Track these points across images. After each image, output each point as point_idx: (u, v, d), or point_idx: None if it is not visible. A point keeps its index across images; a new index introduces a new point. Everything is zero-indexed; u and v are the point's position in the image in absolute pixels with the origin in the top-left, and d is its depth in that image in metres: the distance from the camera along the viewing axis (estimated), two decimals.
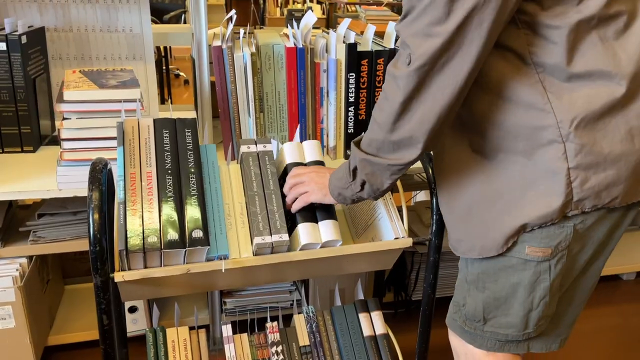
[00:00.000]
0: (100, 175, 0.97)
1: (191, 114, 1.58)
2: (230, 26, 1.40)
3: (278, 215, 1.04)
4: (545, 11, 0.79)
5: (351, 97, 1.45)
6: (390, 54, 1.43)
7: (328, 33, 1.51)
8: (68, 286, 1.86)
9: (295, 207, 1.06)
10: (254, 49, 1.36)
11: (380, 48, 1.43)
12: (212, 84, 1.41)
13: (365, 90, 1.46)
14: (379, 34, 1.49)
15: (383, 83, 0.89)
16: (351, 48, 1.40)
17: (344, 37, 1.44)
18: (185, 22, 4.52)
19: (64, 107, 1.18)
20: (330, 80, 1.43)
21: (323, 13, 5.35)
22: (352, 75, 1.43)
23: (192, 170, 1.03)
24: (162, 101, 4.05)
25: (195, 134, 1.07)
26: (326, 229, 1.06)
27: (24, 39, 1.38)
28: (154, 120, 1.05)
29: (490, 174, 0.91)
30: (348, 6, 4.36)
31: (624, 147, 0.82)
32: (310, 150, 1.15)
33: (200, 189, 1.01)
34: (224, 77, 1.37)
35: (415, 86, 0.79)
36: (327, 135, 1.50)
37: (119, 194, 0.99)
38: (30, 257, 1.51)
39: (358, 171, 0.93)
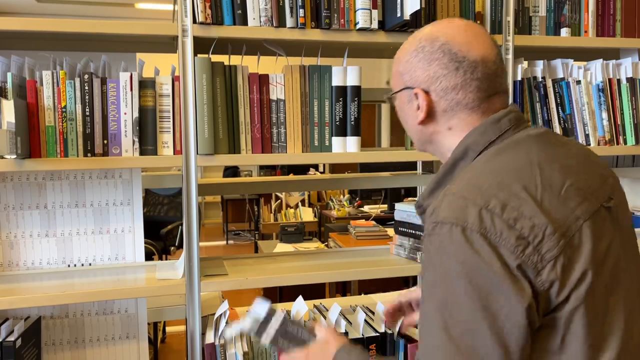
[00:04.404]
0: None
1: None
2: (223, 322, 1.44)
3: None
4: None
5: None
6: (382, 337, 1.45)
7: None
8: None
9: None
10: (246, 347, 1.38)
11: (371, 333, 1.46)
12: None
13: None
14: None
15: None
16: None
17: (335, 322, 1.47)
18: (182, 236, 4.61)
19: None
20: None
21: (315, 216, 5.58)
22: None
23: None
24: None
25: None
26: None
27: (18, 343, 1.39)
28: None
29: None
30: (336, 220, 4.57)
31: None
32: None
33: None
34: None
35: None
36: None
37: None
38: None
39: None
